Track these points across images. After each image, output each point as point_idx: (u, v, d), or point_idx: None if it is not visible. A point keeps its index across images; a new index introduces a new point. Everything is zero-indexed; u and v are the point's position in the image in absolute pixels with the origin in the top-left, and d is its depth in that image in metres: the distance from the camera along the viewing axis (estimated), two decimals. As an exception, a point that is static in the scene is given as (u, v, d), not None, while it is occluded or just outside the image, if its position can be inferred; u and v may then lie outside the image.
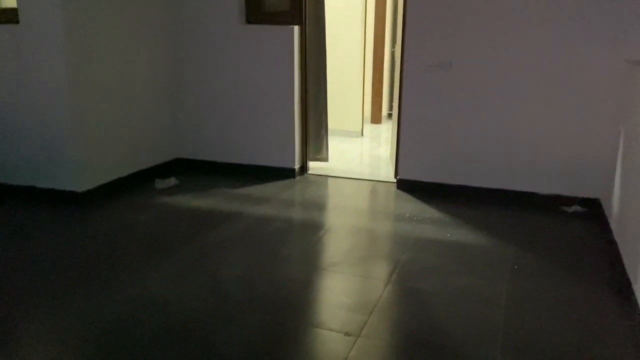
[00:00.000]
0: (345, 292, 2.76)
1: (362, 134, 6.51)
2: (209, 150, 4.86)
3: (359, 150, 5.96)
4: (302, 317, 2.48)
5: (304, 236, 3.47)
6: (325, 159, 5.01)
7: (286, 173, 4.67)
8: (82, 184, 3.92)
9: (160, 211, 3.85)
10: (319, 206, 4.14)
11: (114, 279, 2.78)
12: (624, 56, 3.55)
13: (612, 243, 3.09)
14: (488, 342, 2.23)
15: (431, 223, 3.64)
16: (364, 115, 6.63)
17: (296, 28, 4.44)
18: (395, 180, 4.47)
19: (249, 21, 4.56)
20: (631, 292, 2.50)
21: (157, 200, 4.07)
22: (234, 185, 4.47)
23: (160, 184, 4.38)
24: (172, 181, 4.44)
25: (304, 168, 4.82)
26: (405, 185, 4.35)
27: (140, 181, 4.43)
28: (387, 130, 6.78)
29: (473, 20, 3.86)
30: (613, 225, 3.23)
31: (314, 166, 4.94)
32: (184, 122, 4.85)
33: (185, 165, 4.91)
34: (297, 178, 4.70)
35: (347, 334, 2.29)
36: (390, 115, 7.42)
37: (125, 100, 4.25)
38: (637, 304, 2.37)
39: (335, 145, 5.83)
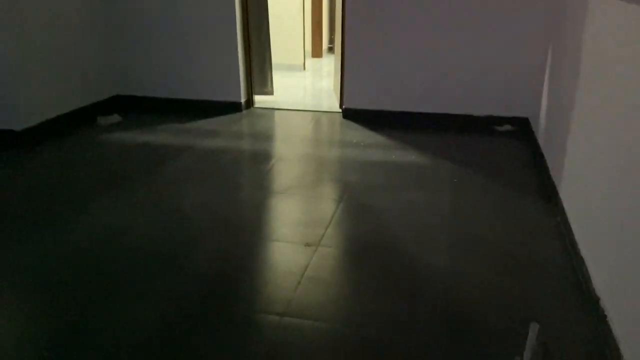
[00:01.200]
0: (302, 211, 2.93)
1: (304, 68, 6.53)
2: (151, 87, 4.75)
3: (302, 83, 6.01)
4: (264, 234, 2.64)
5: (257, 165, 3.57)
6: (271, 93, 5.04)
7: (233, 107, 4.68)
8: (20, 122, 3.77)
9: (107, 148, 3.81)
10: (269, 137, 4.22)
11: (71, 214, 2.80)
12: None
13: (540, 156, 3.41)
14: (434, 244, 2.48)
15: (377, 147, 3.84)
16: (305, 49, 6.62)
17: (235, -44, 4.32)
18: (340, 110, 4.60)
19: (185, -51, 4.39)
20: (557, 196, 2.81)
21: (103, 137, 4.00)
22: (180, 120, 4.44)
23: (103, 120, 4.28)
24: (115, 118, 4.35)
25: (250, 102, 4.84)
26: (350, 114, 4.50)
27: (81, 119, 4.30)
28: (328, 64, 6.83)
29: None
30: (540, 140, 3.55)
31: (260, 100, 4.97)
32: (123, 58, 4.69)
33: (127, 102, 4.78)
34: (244, 112, 4.73)
35: (307, 244, 2.46)
36: (330, 49, 7.44)
37: (61, 35, 4.05)
38: (561, 205, 2.69)
39: (279, 79, 5.82)
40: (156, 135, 4.08)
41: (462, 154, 3.68)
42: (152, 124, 4.33)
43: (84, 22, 4.31)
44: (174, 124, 4.36)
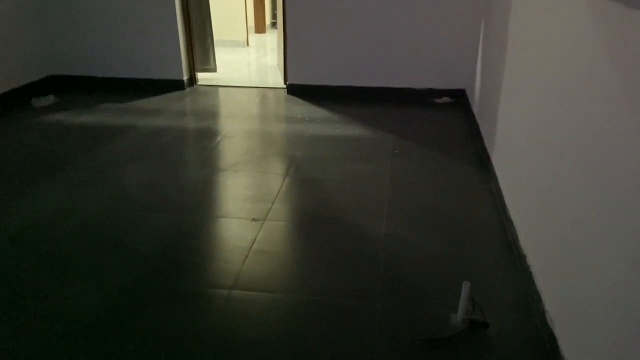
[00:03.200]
0: (248, 187, 2.96)
1: (247, 44, 6.47)
2: (88, 66, 4.59)
3: (246, 59, 5.96)
4: (210, 211, 2.66)
5: (202, 143, 3.55)
6: (214, 70, 4.98)
7: (175, 85, 4.60)
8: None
9: (43, 130, 3.68)
10: (213, 115, 4.19)
11: (10, 196, 2.71)
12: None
13: (476, 126, 3.58)
14: (376, 212, 2.59)
15: (321, 122, 3.90)
16: (248, 25, 6.55)
17: None
18: (285, 86, 4.62)
19: None
20: (489, 163, 2.98)
21: (38, 119, 3.85)
22: (121, 100, 4.33)
23: (37, 102, 4.12)
24: (50, 99, 4.19)
25: (192, 79, 4.77)
26: (294, 89, 4.52)
27: (14, 101, 4.12)
28: (271, 40, 6.79)
29: None
30: (475, 111, 3.72)
31: (202, 77, 4.90)
32: (56, 36, 4.49)
33: (62, 82, 4.61)
34: (187, 90, 4.66)
35: (254, 219, 2.51)
36: (274, 25, 7.38)
37: (-17, 11, 3.84)
38: (493, 171, 2.86)
39: (221, 55, 5.75)
40: (95, 115, 3.97)
41: (402, 126, 3.79)
42: (90, 105, 4.20)
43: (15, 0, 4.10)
44: (114, 103, 4.25)
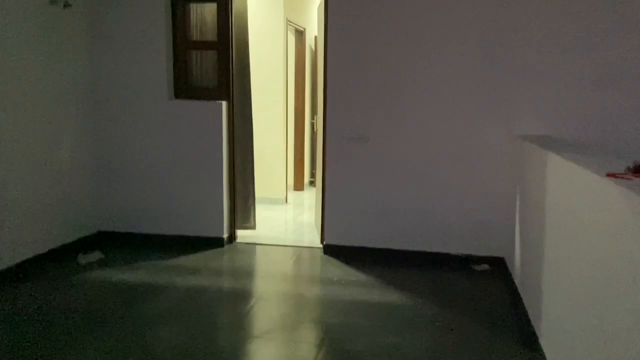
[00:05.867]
0: (281, 357, 2.85)
1: (286, 201, 6.73)
2: (135, 222, 4.82)
3: (284, 217, 6.15)
4: (241, 386, 2.54)
5: (237, 305, 3.53)
6: (253, 227, 5.13)
7: (215, 242, 4.73)
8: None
9: (85, 288, 3.75)
10: (249, 274, 4.22)
11: (50, 358, 2.68)
12: (514, 131, 4.11)
13: (517, 298, 3.45)
14: (417, 397, 2.41)
15: (358, 286, 3.85)
16: (288, 183, 6.88)
17: (224, 103, 4.66)
18: (321, 246, 4.68)
19: (177, 96, 4.73)
20: (537, 343, 2.81)
21: (83, 276, 3.95)
22: (162, 256, 4.44)
23: (83, 258, 4.26)
24: (96, 255, 4.34)
25: (232, 237, 4.90)
26: (331, 250, 4.57)
27: (62, 257, 4.28)
28: (309, 197, 7.06)
29: (387, 97, 4.31)
30: (517, 282, 3.62)
31: (241, 234, 5.04)
32: (107, 194, 4.80)
33: (110, 238, 4.81)
34: (226, 247, 4.77)
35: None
36: (312, 183, 7.73)
37: (47, 173, 4.19)
38: (541, 352, 2.68)
39: (260, 212, 5.96)
40: (136, 273, 4.05)
41: (441, 294, 3.70)
42: (133, 261, 4.32)
43: (73, 161, 4.48)
44: (155, 260, 4.35)
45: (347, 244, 4.52)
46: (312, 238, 5.10)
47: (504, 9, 4.03)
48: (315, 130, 6.60)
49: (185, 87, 4.74)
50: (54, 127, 4.23)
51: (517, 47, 4.03)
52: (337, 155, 4.47)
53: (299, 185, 7.54)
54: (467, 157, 4.24)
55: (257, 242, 4.96)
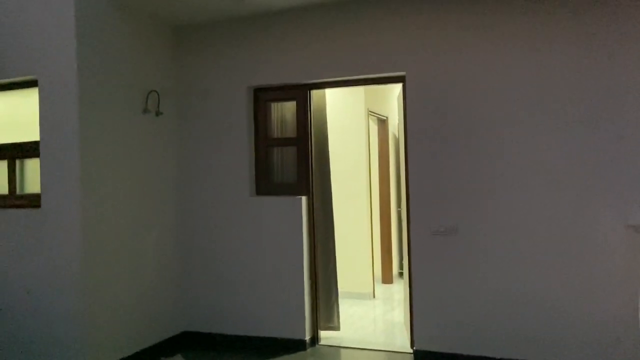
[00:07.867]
0: None
1: (373, 296, 6.34)
2: (217, 323, 4.70)
3: (371, 314, 5.75)
4: None
5: None
6: (337, 328, 4.80)
7: (296, 345, 4.45)
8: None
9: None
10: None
11: None
12: (627, 222, 3.57)
13: None
14: None
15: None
16: (375, 275, 6.53)
17: (304, 198, 4.58)
18: (411, 351, 4.23)
19: (258, 192, 4.74)
20: None
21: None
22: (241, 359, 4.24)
23: (165, 364, 4.16)
24: (177, 359, 4.23)
25: (314, 339, 4.60)
26: (421, 356, 4.10)
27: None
28: (399, 291, 6.62)
29: (476, 186, 3.97)
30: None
31: (325, 335, 4.72)
32: (191, 294, 4.77)
33: (192, 339, 4.71)
34: (308, 350, 4.46)
35: None
36: (401, 274, 7.30)
37: (135, 277, 4.24)
38: None
39: (346, 309, 5.62)
40: (213, 380, 3.85)
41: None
42: (213, 367, 4.14)
43: (159, 263, 4.53)
44: (235, 366, 4.15)
45: (439, 349, 4.04)
46: (402, 340, 4.66)
47: (607, 64, 3.65)
48: (401, 219, 6.32)
49: (266, 183, 4.74)
50: (142, 224, 4.35)
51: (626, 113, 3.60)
52: (423, 248, 4.13)
53: (387, 278, 7.14)
54: (569, 252, 3.72)
55: (342, 344, 4.61)
